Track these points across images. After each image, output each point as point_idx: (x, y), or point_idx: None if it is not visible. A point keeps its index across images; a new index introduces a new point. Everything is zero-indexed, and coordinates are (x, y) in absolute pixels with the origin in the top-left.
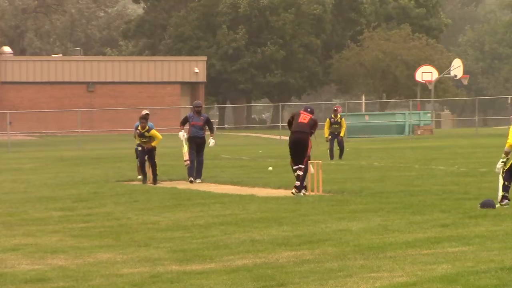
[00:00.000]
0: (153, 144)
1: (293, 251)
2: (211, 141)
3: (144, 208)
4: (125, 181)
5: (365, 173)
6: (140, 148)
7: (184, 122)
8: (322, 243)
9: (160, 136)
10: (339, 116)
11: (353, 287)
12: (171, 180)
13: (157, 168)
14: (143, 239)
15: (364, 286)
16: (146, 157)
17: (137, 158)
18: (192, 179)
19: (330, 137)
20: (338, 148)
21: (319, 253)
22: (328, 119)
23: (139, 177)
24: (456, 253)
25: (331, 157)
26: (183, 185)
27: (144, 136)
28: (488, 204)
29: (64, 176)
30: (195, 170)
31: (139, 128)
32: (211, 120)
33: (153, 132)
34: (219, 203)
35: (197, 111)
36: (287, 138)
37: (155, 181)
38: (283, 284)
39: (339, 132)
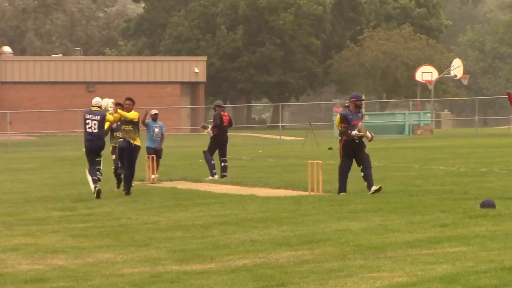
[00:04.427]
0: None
1: (293, 251)
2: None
3: (144, 208)
4: None
5: None
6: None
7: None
8: (322, 243)
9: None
10: None
11: (353, 287)
12: (171, 180)
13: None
14: (143, 239)
15: (364, 286)
16: None
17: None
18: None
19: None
20: None
21: (319, 253)
22: (338, 115)
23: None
24: (456, 253)
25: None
26: (183, 185)
27: None
28: (488, 204)
29: (64, 176)
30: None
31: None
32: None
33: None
34: (219, 203)
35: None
36: (287, 138)
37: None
38: (283, 284)
39: None
